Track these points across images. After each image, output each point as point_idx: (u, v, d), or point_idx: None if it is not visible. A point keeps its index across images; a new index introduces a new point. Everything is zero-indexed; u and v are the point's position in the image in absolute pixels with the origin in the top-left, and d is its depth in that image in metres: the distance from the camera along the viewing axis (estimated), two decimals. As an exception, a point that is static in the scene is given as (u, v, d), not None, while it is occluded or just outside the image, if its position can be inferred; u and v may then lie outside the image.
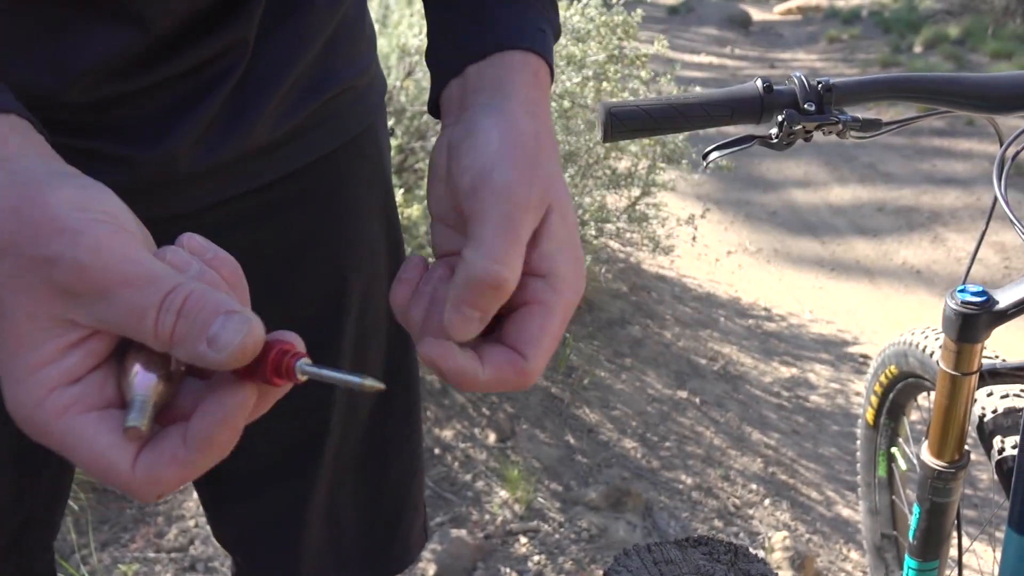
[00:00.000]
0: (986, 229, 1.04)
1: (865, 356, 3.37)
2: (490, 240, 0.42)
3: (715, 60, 9.23)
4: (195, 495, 1.95)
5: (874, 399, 1.49)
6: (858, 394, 3.07)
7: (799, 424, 2.82)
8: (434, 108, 0.52)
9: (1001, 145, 0.95)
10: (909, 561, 1.20)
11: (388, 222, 0.74)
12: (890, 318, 3.74)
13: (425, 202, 0.64)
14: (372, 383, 0.37)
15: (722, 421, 2.68)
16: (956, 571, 1.23)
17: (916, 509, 1.16)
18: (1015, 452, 1.03)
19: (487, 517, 1.99)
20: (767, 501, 2.30)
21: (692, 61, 8.88)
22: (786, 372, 3.18)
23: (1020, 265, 4.02)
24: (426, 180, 0.48)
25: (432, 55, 0.53)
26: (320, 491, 0.77)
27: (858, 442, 1.60)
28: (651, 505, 2.12)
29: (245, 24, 0.56)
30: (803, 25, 11.49)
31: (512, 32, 0.49)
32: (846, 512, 2.35)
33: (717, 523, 2.16)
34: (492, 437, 2.24)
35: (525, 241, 0.43)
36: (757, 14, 12.10)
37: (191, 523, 1.88)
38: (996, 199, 0.94)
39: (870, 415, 1.52)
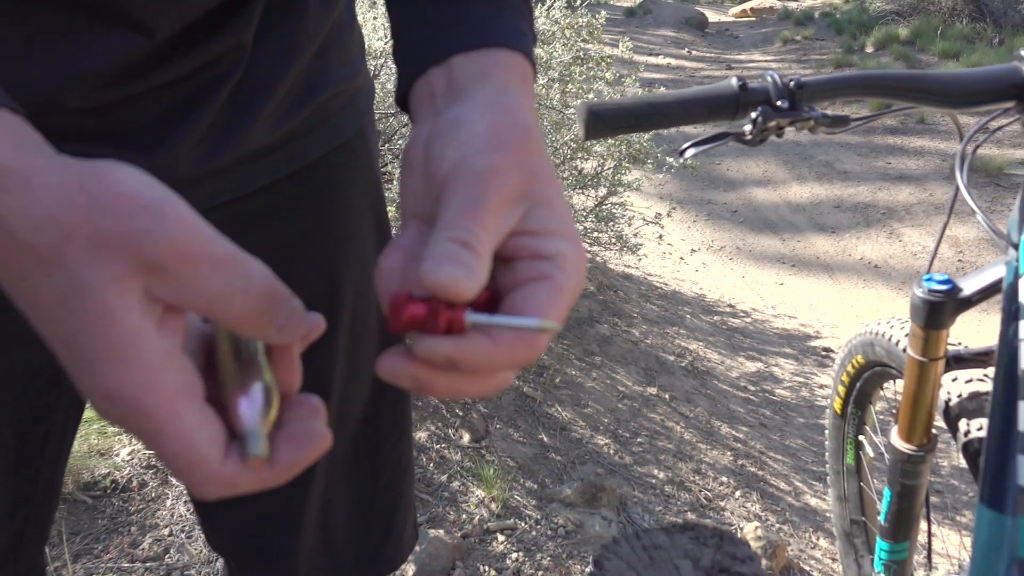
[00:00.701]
0: (948, 219, 1.08)
1: (827, 349, 3.45)
2: (451, 222, 0.38)
3: (673, 61, 9.34)
4: (168, 503, 1.93)
5: (841, 388, 1.53)
6: (822, 387, 3.14)
7: (766, 417, 2.87)
8: (402, 100, 0.49)
9: (961, 140, 0.99)
10: (881, 543, 1.23)
11: (378, 222, 0.75)
12: (849, 312, 3.82)
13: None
14: (551, 324, 0.37)
15: (691, 416, 2.72)
16: (925, 552, 1.27)
17: (887, 493, 1.20)
18: (981, 434, 1.07)
19: (464, 516, 2.00)
20: (738, 493, 2.35)
21: (651, 63, 8.98)
22: (752, 367, 3.24)
23: (972, 258, 4.13)
24: (398, 177, 0.46)
25: (406, 45, 0.49)
26: (314, 493, 0.77)
27: (826, 431, 1.64)
28: (625, 500, 2.15)
29: (243, 28, 0.56)
30: (757, 27, 11.68)
31: (502, 31, 0.48)
32: (814, 501, 2.41)
33: (690, 515, 2.20)
34: (466, 437, 2.25)
35: (494, 229, 0.39)
36: (712, 16, 12.26)
37: (165, 531, 1.86)
38: (956, 191, 0.98)
39: (838, 404, 1.55)
